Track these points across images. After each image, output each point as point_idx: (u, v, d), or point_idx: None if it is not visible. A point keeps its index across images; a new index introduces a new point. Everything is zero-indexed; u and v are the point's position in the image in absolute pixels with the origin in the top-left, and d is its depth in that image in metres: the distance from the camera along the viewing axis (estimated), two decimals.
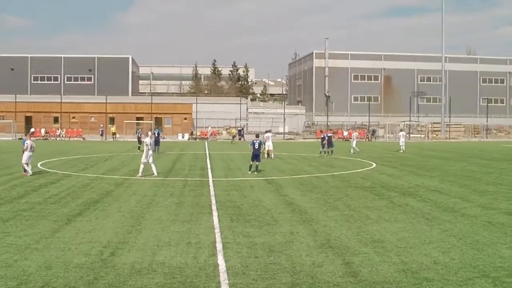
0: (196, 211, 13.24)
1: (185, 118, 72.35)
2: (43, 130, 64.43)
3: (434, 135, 73.65)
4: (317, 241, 10.02)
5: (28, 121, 68.24)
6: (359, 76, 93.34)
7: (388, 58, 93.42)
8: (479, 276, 7.84)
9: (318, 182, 19.59)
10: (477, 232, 10.89)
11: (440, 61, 77.82)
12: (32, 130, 59.45)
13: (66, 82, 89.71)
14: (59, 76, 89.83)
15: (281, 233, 10.64)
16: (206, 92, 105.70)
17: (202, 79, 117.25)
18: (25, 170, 21.11)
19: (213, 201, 14.72)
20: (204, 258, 8.71)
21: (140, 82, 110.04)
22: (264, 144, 28.02)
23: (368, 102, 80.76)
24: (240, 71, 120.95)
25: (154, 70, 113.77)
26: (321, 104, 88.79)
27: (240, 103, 76.73)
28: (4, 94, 72.32)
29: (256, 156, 22.58)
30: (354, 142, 38.07)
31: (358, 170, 24.57)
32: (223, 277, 7.67)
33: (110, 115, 68.84)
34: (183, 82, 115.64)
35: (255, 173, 22.25)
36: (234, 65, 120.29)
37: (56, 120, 69.47)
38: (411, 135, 70.44)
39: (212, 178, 20.86)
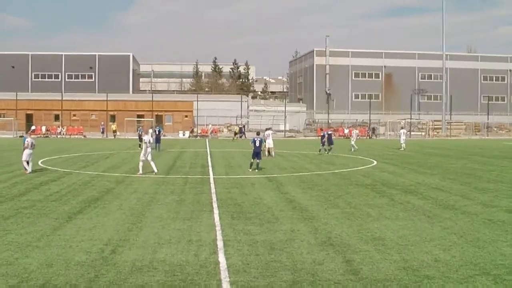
0: (197, 208, 13.24)
1: (186, 116, 72.39)
2: (43, 128, 64.46)
3: (435, 133, 73.64)
4: (318, 238, 10.02)
5: (29, 118, 68.33)
6: (360, 74, 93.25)
7: (388, 56, 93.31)
8: (480, 274, 7.83)
9: (319, 180, 19.58)
10: (478, 229, 10.89)
11: (441, 59, 77.80)
12: (33, 127, 59.60)
13: (67, 79, 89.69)
14: (60, 73, 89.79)
15: (282, 231, 10.64)
16: (206, 89, 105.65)
17: (203, 77, 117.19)
18: (25, 168, 21.14)
19: (214, 199, 14.72)
20: (205, 255, 8.71)
21: (141, 79, 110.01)
22: (265, 142, 28.02)
23: (369, 100, 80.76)
24: (241, 69, 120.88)
25: (154, 68, 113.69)
26: (322, 101, 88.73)
27: (241, 101, 76.73)
28: (5, 92, 72.38)
29: (257, 153, 22.58)
30: (354, 140, 38.07)
31: (359, 168, 24.56)
32: (224, 274, 7.67)
33: (111, 113, 68.88)
34: (184, 79, 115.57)
35: (256, 170, 22.25)
36: (234, 63, 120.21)
37: (57, 117, 69.55)
38: (412, 133, 70.47)
39: (213, 175, 20.86)
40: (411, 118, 76.55)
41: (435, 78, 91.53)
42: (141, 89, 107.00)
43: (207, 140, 56.39)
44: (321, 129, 53.35)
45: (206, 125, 68.05)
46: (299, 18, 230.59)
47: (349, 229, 10.84)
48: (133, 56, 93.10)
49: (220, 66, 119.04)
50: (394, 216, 12.34)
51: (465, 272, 7.92)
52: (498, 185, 18.35)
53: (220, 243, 9.52)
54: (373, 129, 70.65)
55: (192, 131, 65.99)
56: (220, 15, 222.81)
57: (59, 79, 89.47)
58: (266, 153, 29.62)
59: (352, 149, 36.42)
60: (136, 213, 12.57)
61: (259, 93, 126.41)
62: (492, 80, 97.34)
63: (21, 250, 9.01)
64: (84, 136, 62.05)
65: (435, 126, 76.13)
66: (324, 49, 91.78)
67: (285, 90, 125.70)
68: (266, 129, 33.58)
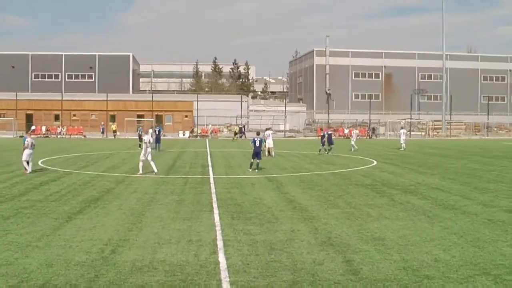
0: (197, 208, 13.24)
1: (186, 116, 72.38)
2: (43, 128, 64.47)
3: (435, 133, 73.65)
4: (318, 238, 10.02)
5: (29, 118, 68.32)
6: (360, 74, 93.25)
7: (388, 56, 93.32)
8: (480, 274, 7.83)
9: (319, 180, 19.59)
10: (478, 229, 10.89)
11: (441, 59, 77.79)
12: (33, 127, 59.63)
13: (67, 79, 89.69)
14: (60, 73, 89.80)
15: (282, 231, 10.63)
16: (206, 89, 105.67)
17: (203, 77, 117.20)
18: (25, 168, 21.14)
19: (214, 199, 14.72)
20: (205, 255, 8.71)
21: (141, 79, 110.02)
22: (265, 142, 28.02)
23: (369, 100, 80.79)
24: (241, 69, 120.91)
25: (154, 68, 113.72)
26: (322, 101, 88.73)
27: (241, 101, 76.73)
28: (5, 92, 72.38)
29: (257, 153, 22.58)
30: (354, 140, 38.04)
31: (359, 168, 24.57)
32: (224, 274, 7.67)
33: (111, 113, 68.89)
34: (184, 79, 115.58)
35: (256, 170, 22.25)
36: (234, 63, 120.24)
37: (57, 117, 69.55)
38: (412, 133, 70.47)
39: (213, 175, 20.86)
40: (411, 118, 76.57)
41: (435, 78, 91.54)
42: (141, 89, 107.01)
43: (207, 140, 56.39)
44: (321, 129, 53.36)
45: (206, 125, 68.05)
46: (299, 18, 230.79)
47: (349, 229, 10.84)
48: (133, 56, 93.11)
49: (220, 66, 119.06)
50: (394, 216, 12.34)
51: (465, 272, 7.92)
52: (498, 185, 18.35)
53: (220, 243, 9.52)
54: (373, 129, 70.67)
55: (192, 131, 66.00)
56: (220, 15, 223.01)
57: (59, 79, 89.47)
58: (266, 153, 29.62)
59: (352, 149, 36.43)
60: (136, 213, 12.57)
61: (259, 93, 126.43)
62: (492, 80, 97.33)
63: (21, 250, 9.01)
64: (84, 136, 62.06)
65: (435, 126, 76.14)
66: (324, 49, 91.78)
67: (285, 90, 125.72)
68: (266, 129, 33.59)
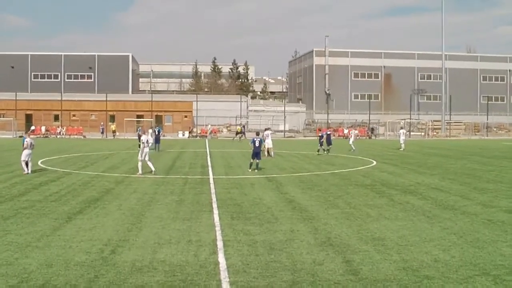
0: (197, 209, 13.24)
1: (186, 116, 72.36)
2: (43, 128, 64.46)
3: (435, 133, 73.66)
4: (318, 239, 10.02)
5: (29, 119, 68.28)
6: (359, 74, 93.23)
7: (388, 56, 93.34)
8: (480, 274, 7.84)
9: (318, 180, 19.59)
10: (478, 230, 10.90)
11: (440, 59, 77.79)
12: (33, 128, 59.56)
13: (66, 80, 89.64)
14: (59, 74, 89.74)
15: (281, 231, 10.64)
16: (206, 90, 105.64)
17: (202, 77, 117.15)
18: (23, 169, 21.07)
19: (214, 199, 14.72)
20: (204, 256, 8.71)
21: (140, 80, 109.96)
22: (264, 142, 28.01)
23: (368, 100, 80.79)
24: (240, 69, 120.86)
25: (154, 68, 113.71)
26: (322, 102, 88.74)
27: (240, 101, 76.72)
28: (5, 92, 72.36)
29: (256, 154, 22.58)
30: (352, 140, 37.89)
31: (359, 168, 24.57)
32: (224, 275, 7.68)
33: (111, 113, 68.85)
34: (183, 80, 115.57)
35: (256, 171, 22.25)
36: (234, 63, 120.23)
37: (56, 118, 69.51)
38: (411, 133, 70.47)
39: (213, 176, 20.86)
40: (410, 118, 76.59)
41: (434, 78, 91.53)
42: (140, 89, 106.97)
43: (206, 140, 56.38)
44: (320, 130, 53.34)
45: (206, 125, 68.05)
46: (299, 18, 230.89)
47: (349, 229, 10.85)
48: (132, 56, 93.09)
49: (220, 66, 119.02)
50: (394, 217, 12.34)
51: (464, 272, 7.93)
52: (497, 185, 18.36)
53: (219, 243, 9.53)
54: (372, 129, 70.66)
55: (191, 131, 65.97)
56: (220, 15, 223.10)
57: (59, 79, 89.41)
58: (266, 153, 29.61)
59: (352, 150, 36.39)
60: (135, 213, 12.57)
61: (259, 93, 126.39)
62: (492, 80, 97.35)
63: (21, 250, 9.01)
64: (84, 136, 62.03)
65: (435, 126, 76.14)
66: (324, 49, 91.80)
67: (284, 90, 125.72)
68: (265, 129, 33.57)
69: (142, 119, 66.73)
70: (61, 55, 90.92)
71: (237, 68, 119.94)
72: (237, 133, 58.51)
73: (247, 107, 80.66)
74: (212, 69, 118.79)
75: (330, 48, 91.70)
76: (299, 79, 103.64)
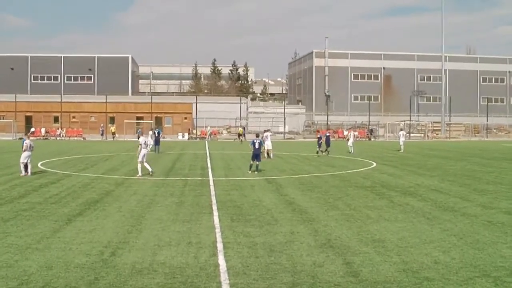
0: (197, 210, 13.24)
1: (185, 118, 72.35)
2: (43, 130, 64.48)
3: (434, 135, 73.69)
4: (318, 240, 10.02)
5: (28, 120, 68.27)
6: (359, 76, 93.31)
7: (388, 57, 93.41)
8: (480, 276, 7.84)
9: (318, 182, 19.59)
10: (478, 231, 10.89)
11: (440, 60, 77.83)
12: (32, 129, 59.58)
13: (66, 81, 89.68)
14: (59, 75, 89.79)
15: (281, 233, 10.63)
16: (206, 91, 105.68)
17: (202, 79, 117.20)
18: (21, 171, 21.05)
19: (214, 201, 14.71)
20: (204, 258, 8.71)
21: (140, 81, 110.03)
22: (264, 144, 28.01)
23: (368, 102, 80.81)
24: (240, 71, 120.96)
25: (154, 70, 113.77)
26: (321, 103, 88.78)
27: (240, 103, 76.71)
28: (4, 94, 72.35)
29: (256, 155, 22.57)
30: (350, 142, 37.81)
31: (359, 170, 24.57)
32: (224, 277, 7.67)
33: (110, 115, 68.87)
34: (183, 81, 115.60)
35: (256, 172, 22.25)
36: (234, 65, 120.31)
37: (56, 119, 69.51)
38: (411, 135, 70.49)
39: (213, 177, 20.86)
40: (410, 120, 76.63)
41: (434, 79, 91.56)
42: (140, 91, 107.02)
43: (206, 142, 56.37)
44: (318, 131, 53.30)
45: (205, 127, 68.06)
46: (299, 18, 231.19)
47: (349, 231, 10.84)
48: (132, 58, 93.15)
49: (219, 68, 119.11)
50: (394, 218, 12.34)
51: (465, 274, 7.92)
52: (497, 186, 18.35)
53: (219, 245, 9.52)
54: (371, 130, 70.66)
55: (190, 132, 65.94)
56: (220, 15, 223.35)
57: (58, 81, 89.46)
58: (265, 155, 29.60)
59: (351, 151, 36.38)
60: (135, 215, 12.57)
61: (258, 95, 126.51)
62: (491, 82, 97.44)
63: (21, 252, 9.00)
64: (84, 138, 62.05)
65: (434, 128, 76.17)
66: (323, 51, 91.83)
67: (284, 91, 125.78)
68: (265, 131, 33.56)
69: (142, 121, 66.76)
70: (61, 56, 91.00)
71: (237, 69, 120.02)
72: (239, 135, 58.50)
73: (247, 109, 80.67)
74: (212, 70, 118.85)
75: (330, 50, 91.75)
76: (299, 80, 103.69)
